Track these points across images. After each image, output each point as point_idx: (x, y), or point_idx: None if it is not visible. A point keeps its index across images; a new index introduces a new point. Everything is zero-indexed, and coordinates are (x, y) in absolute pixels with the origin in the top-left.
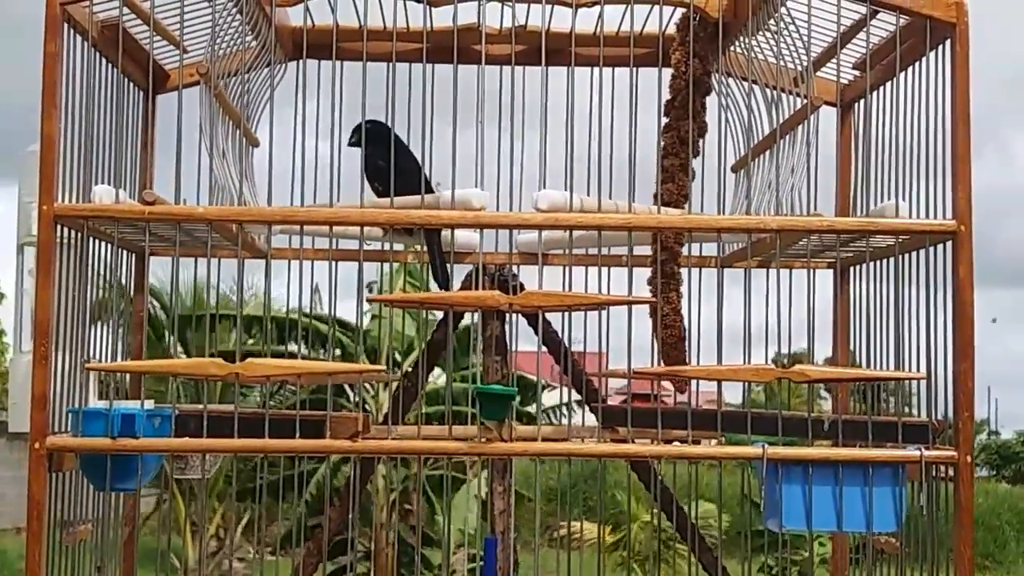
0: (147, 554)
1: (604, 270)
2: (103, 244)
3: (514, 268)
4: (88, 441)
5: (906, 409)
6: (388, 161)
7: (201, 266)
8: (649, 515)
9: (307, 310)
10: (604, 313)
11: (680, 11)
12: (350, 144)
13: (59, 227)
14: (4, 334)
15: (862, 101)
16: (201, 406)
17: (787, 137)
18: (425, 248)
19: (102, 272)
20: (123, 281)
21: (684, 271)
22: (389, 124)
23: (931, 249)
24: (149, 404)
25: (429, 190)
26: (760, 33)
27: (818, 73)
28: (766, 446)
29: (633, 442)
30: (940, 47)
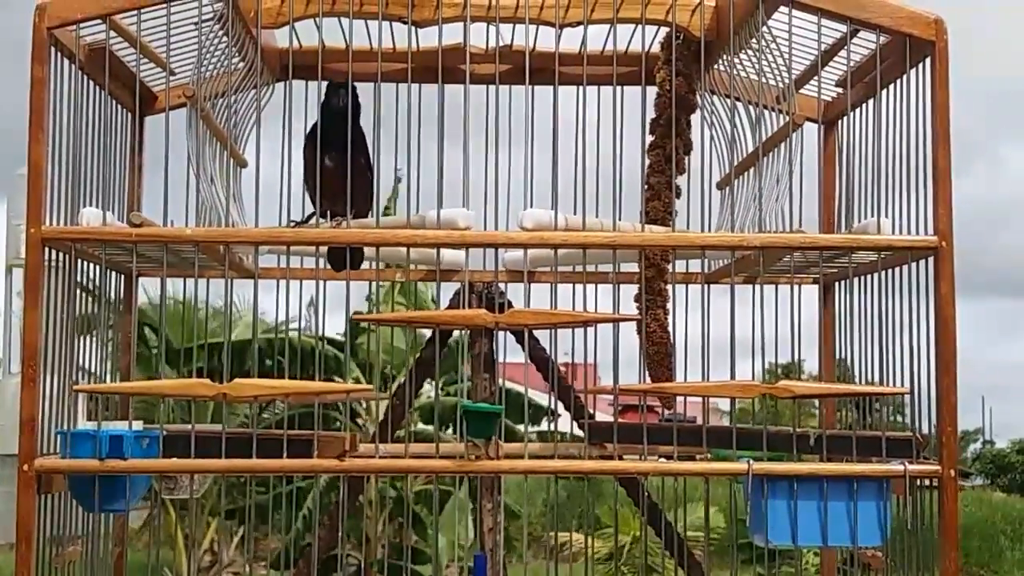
0: (139, 569)
1: (590, 287)
2: (91, 266)
3: (501, 286)
4: (76, 463)
5: (896, 418)
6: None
7: (189, 288)
8: (638, 528)
9: (295, 329)
10: (591, 329)
11: (664, 30)
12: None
13: (47, 250)
14: None
15: (844, 118)
16: (189, 426)
17: (770, 154)
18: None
19: (90, 294)
20: (111, 302)
21: (670, 287)
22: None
23: (914, 265)
24: (137, 425)
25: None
26: (743, 51)
27: (800, 90)
28: (751, 462)
29: (621, 458)
30: (920, 64)
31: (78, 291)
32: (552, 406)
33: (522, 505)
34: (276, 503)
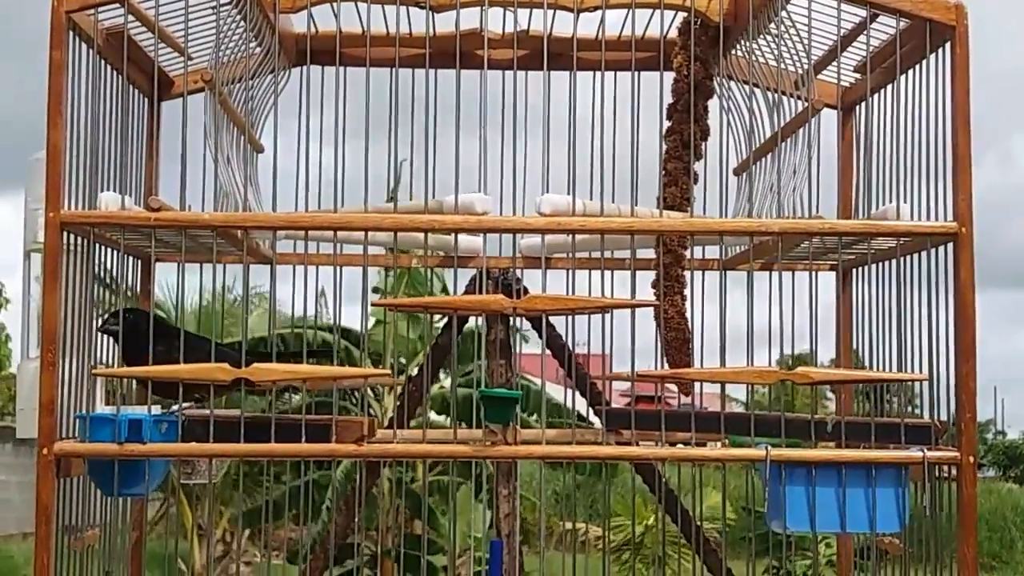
0: (153, 559)
1: (607, 273)
2: (109, 251)
3: (517, 272)
4: (96, 447)
5: (910, 409)
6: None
7: (207, 273)
8: (653, 517)
9: (312, 316)
10: (608, 316)
11: (681, 15)
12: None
13: (66, 234)
14: (9, 339)
15: (863, 104)
16: (207, 411)
17: (788, 140)
18: None
19: (108, 279)
20: (129, 287)
21: (687, 273)
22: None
23: (932, 251)
24: (156, 409)
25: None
26: (761, 36)
27: (819, 76)
28: (769, 448)
29: (637, 445)
30: (940, 50)
31: (96, 275)
32: (569, 392)
33: (535, 495)
34: (292, 496)
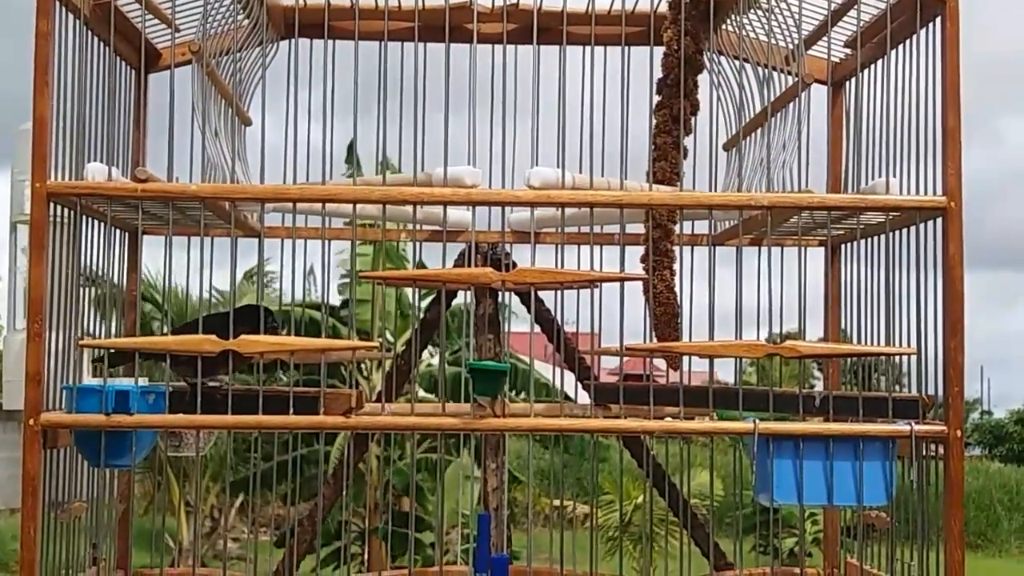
0: (141, 535)
1: (596, 248)
2: (96, 223)
3: (506, 247)
4: (82, 417)
5: (898, 388)
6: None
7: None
8: (641, 496)
9: (299, 292)
10: (597, 291)
11: None
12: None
13: (52, 205)
14: None
15: (853, 79)
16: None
17: (778, 115)
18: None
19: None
20: (116, 260)
21: (676, 248)
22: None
23: (921, 226)
24: (143, 381)
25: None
26: (752, 11)
27: (809, 51)
28: (757, 421)
29: (625, 418)
30: (930, 25)
31: (83, 246)
32: (558, 368)
33: (523, 472)
34: (280, 471)
